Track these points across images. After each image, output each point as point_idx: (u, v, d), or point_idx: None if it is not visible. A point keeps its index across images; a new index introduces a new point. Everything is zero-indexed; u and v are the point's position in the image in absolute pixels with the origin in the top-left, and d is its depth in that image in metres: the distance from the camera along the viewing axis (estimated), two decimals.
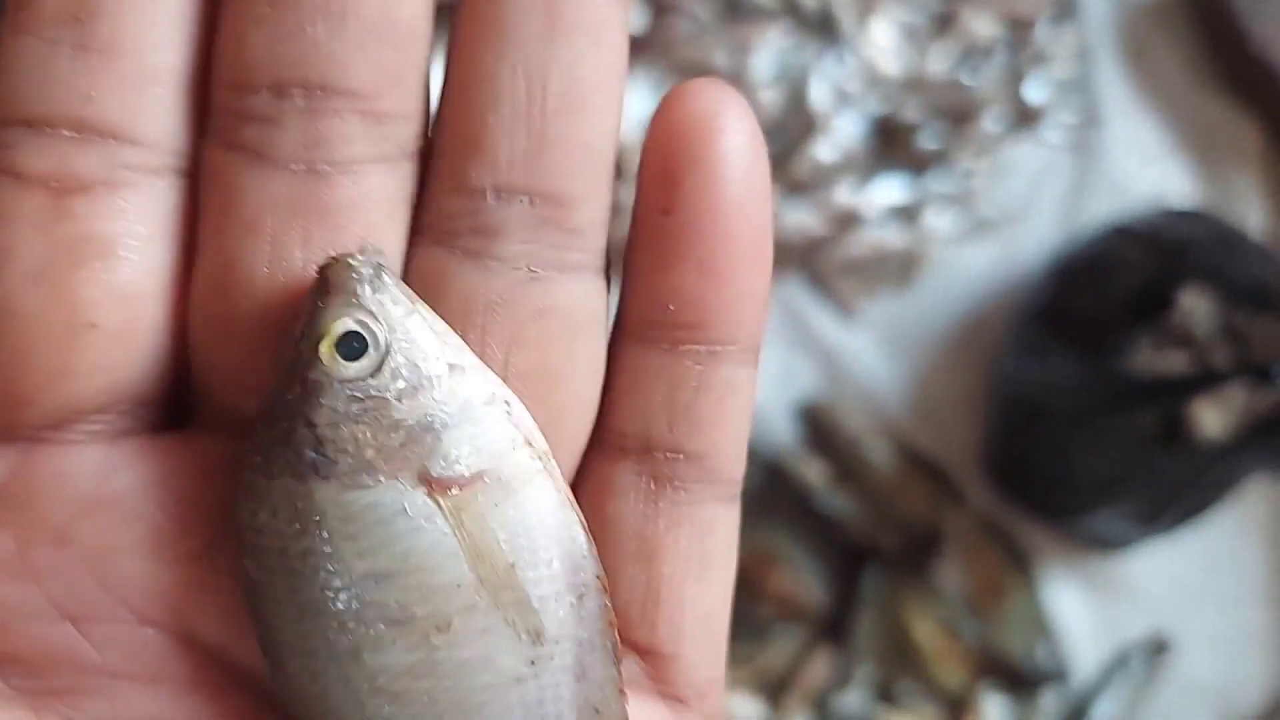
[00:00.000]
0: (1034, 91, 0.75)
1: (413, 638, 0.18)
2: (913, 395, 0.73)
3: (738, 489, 0.20)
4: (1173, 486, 0.66)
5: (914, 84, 0.68)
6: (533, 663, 0.18)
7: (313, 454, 0.18)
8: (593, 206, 0.19)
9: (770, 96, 0.63)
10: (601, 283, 0.19)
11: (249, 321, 0.18)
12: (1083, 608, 0.71)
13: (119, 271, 0.18)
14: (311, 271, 0.18)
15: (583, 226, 0.19)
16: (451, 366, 0.18)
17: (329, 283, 0.18)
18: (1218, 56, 0.73)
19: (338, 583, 0.18)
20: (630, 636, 0.20)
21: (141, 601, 0.19)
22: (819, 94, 0.65)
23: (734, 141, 0.18)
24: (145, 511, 0.19)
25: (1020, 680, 0.69)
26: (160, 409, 0.19)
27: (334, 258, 0.18)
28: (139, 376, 0.19)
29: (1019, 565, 0.71)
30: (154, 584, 0.19)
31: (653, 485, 0.20)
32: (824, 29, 0.69)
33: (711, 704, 0.21)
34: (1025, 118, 0.76)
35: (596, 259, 0.19)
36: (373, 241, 0.18)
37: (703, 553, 0.20)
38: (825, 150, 0.66)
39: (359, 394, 0.18)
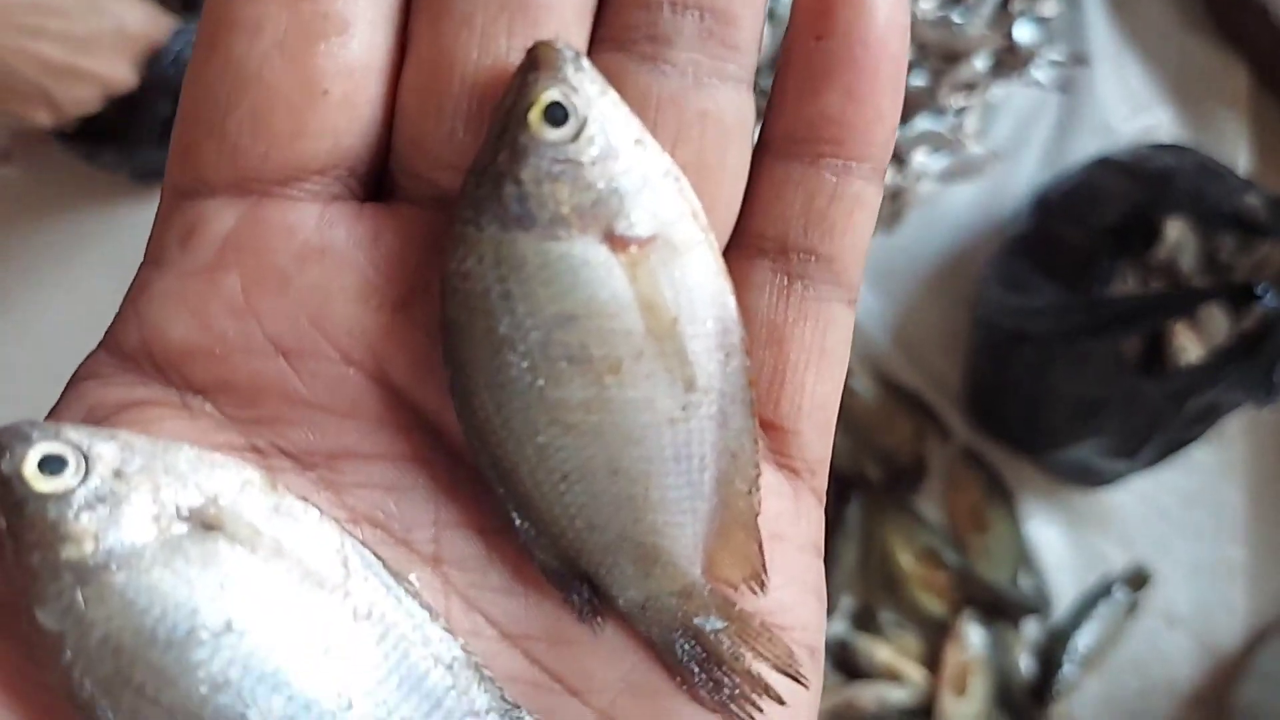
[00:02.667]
0: (1023, 32, 0.76)
1: (588, 376, 0.21)
2: (897, 330, 0.73)
3: (856, 295, 0.23)
4: (1153, 415, 0.66)
5: None
6: (685, 408, 0.21)
7: (518, 208, 0.20)
8: (751, 27, 0.21)
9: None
10: (751, 96, 0.22)
11: (458, 101, 0.21)
12: (1064, 540, 0.72)
13: (350, 47, 0.21)
14: (516, 58, 0.21)
15: (741, 44, 0.21)
16: (636, 141, 0.21)
17: (537, 60, 0.20)
18: None
19: (529, 322, 0.21)
20: (757, 412, 0.23)
21: (347, 342, 0.21)
22: None
23: None
24: (357, 262, 0.21)
25: (1002, 611, 0.70)
26: (366, 181, 0.22)
27: (541, 42, 0.20)
28: (357, 144, 0.21)
29: (1002, 498, 0.72)
30: (358, 327, 0.21)
31: (785, 281, 0.22)
32: None
33: (819, 480, 0.24)
34: (1014, 58, 0.76)
35: (749, 74, 0.22)
36: (565, 37, 0.21)
37: (824, 345, 0.23)
38: None
39: (559, 157, 0.20)
